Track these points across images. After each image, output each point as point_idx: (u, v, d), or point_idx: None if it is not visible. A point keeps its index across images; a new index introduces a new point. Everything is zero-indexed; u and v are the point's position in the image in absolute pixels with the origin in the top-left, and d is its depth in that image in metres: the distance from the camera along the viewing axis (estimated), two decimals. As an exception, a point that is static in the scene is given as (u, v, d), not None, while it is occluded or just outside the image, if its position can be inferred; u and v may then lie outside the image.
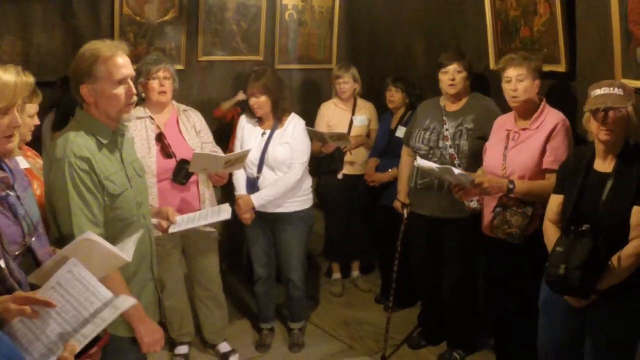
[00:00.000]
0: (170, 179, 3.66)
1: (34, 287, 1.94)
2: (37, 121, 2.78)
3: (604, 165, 2.77)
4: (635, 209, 2.62)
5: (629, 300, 2.69)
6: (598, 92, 2.70)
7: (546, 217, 3.03)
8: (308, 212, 4.19)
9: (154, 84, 3.66)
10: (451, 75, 3.83)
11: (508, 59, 3.38)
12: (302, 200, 4.13)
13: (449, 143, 3.81)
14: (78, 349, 1.70)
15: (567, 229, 2.76)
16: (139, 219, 2.62)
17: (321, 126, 4.97)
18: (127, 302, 1.82)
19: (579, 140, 3.21)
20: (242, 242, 5.10)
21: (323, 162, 5.01)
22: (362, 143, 4.99)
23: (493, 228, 3.38)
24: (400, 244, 4.21)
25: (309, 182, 4.20)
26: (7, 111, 1.91)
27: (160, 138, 3.68)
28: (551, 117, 3.30)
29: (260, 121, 4.11)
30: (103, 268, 2.07)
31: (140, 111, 3.70)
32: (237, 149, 4.11)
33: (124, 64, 2.44)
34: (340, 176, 4.99)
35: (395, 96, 4.71)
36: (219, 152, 3.90)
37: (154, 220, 2.96)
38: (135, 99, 2.51)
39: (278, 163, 3.98)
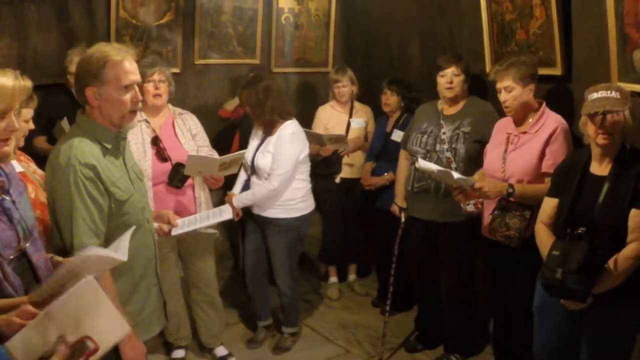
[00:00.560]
0: (166, 183, 3.65)
1: (27, 292, 1.93)
2: (31, 125, 2.76)
3: (600, 168, 2.77)
4: (633, 211, 2.62)
5: (625, 302, 2.68)
6: (595, 95, 2.69)
7: (539, 220, 3.02)
8: (291, 221, 4.09)
9: (149, 87, 3.66)
10: (449, 78, 3.83)
11: (494, 71, 3.39)
12: (283, 208, 4.06)
13: (445, 146, 3.81)
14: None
15: (563, 232, 2.76)
16: (144, 223, 2.60)
17: (318, 129, 4.97)
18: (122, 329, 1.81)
19: (577, 143, 3.21)
20: (238, 245, 5.11)
21: (320, 165, 5.01)
22: (359, 146, 4.99)
23: (491, 230, 3.38)
24: (397, 248, 4.21)
25: (293, 192, 4.07)
26: (4, 115, 1.90)
27: (156, 141, 3.67)
28: (550, 121, 3.29)
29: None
30: (100, 269, 2.07)
31: (135, 115, 3.69)
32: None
33: (132, 70, 2.42)
34: (337, 180, 4.99)
35: (390, 99, 4.71)
36: (215, 155, 3.89)
37: (155, 225, 2.94)
38: (140, 105, 2.49)
39: (259, 169, 3.99)
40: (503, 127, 3.52)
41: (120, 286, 2.44)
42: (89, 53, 2.45)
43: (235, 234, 5.26)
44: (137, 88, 2.45)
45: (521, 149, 3.34)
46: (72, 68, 4.00)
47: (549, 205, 2.96)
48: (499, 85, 3.34)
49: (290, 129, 4.01)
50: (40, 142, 4.01)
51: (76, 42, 4.61)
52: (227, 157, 3.74)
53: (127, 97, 2.42)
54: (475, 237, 3.71)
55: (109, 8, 4.67)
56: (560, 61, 3.52)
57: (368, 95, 5.17)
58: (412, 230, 4.10)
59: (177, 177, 3.63)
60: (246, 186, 4.12)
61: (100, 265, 2.05)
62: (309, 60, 5.79)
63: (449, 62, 3.85)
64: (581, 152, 2.91)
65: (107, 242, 2.41)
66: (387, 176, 4.65)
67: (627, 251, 2.62)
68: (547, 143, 3.25)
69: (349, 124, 5.01)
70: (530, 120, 3.35)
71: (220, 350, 4.18)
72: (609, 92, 2.67)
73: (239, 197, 4.05)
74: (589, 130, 2.73)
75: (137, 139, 3.61)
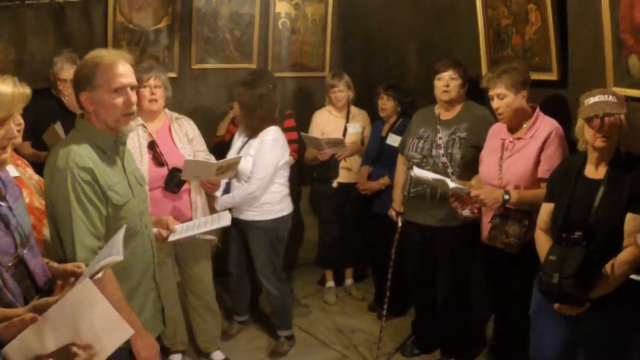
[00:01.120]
0: (162, 187, 3.65)
1: (27, 300, 1.93)
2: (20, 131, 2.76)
3: (595, 171, 2.77)
4: (629, 216, 2.63)
5: (621, 307, 2.69)
6: (592, 99, 2.70)
7: (537, 226, 3.03)
8: (269, 223, 4.16)
9: (145, 92, 3.65)
10: (445, 82, 3.84)
11: (486, 79, 3.40)
12: (260, 211, 4.13)
13: (441, 151, 3.81)
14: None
15: (559, 237, 2.76)
16: (142, 228, 2.60)
17: (315, 134, 4.97)
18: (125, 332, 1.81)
19: (572, 147, 3.21)
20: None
21: (317, 170, 5.02)
22: (356, 150, 5.00)
23: (491, 238, 3.39)
24: (394, 252, 4.21)
25: (270, 196, 4.14)
26: (3, 122, 1.89)
27: (152, 146, 3.67)
28: (544, 126, 3.30)
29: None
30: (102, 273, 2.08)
31: (132, 119, 3.69)
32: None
33: (123, 73, 2.42)
34: (334, 184, 5.00)
35: (386, 104, 4.72)
36: (212, 160, 3.89)
37: (154, 230, 2.94)
38: (134, 108, 2.49)
39: (240, 172, 4.02)
40: (497, 132, 3.53)
41: None
42: (84, 59, 2.47)
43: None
44: (129, 91, 2.45)
45: (516, 155, 3.35)
46: (63, 74, 4.00)
47: (545, 210, 2.97)
48: (492, 92, 3.35)
49: (272, 134, 4.09)
50: (26, 147, 3.93)
51: (73, 47, 4.63)
52: (224, 161, 3.75)
53: (119, 100, 2.42)
54: (472, 241, 3.72)
55: (106, 13, 4.68)
56: (556, 66, 3.53)
57: (365, 100, 5.18)
58: (409, 234, 4.11)
59: (174, 182, 3.63)
60: (227, 188, 4.18)
61: (103, 272, 2.06)
62: (305, 65, 5.79)
63: (446, 65, 3.86)
64: (576, 157, 2.92)
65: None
66: (382, 181, 4.66)
67: (623, 256, 2.62)
68: (542, 148, 3.25)
69: (345, 129, 5.01)
70: (525, 126, 3.36)
71: (217, 355, 4.18)
72: (605, 96, 2.68)
73: (219, 200, 4.12)
74: (587, 134, 2.74)
75: (134, 143, 3.60)
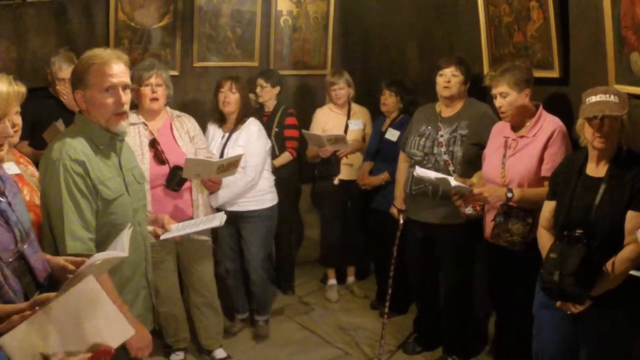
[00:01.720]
0: (164, 185, 3.65)
1: (27, 296, 1.93)
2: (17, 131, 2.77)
3: (596, 169, 2.77)
4: (630, 213, 2.62)
5: (623, 305, 2.68)
6: (594, 98, 2.68)
7: (539, 224, 3.03)
8: (266, 211, 4.37)
9: (146, 91, 3.66)
10: (447, 78, 3.84)
11: (489, 77, 3.40)
12: (257, 199, 4.32)
13: (443, 149, 3.81)
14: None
15: (561, 235, 2.76)
16: (134, 225, 2.61)
17: (316, 131, 4.97)
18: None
19: (575, 145, 3.21)
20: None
21: (319, 167, 5.02)
22: (357, 147, 5.00)
23: (494, 236, 3.38)
24: (396, 250, 4.21)
25: (265, 182, 4.36)
26: None
27: (154, 144, 3.68)
28: (548, 124, 3.29)
29: (222, 124, 4.29)
30: (102, 270, 2.09)
31: (133, 117, 3.69)
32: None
33: (115, 72, 2.44)
34: (336, 182, 5.00)
35: (388, 100, 4.73)
36: (213, 158, 3.90)
37: (149, 228, 2.95)
38: (125, 108, 2.50)
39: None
40: (500, 130, 3.52)
41: None
42: (80, 58, 2.50)
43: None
44: (121, 91, 2.46)
45: (520, 153, 3.34)
46: (61, 74, 4.00)
47: (547, 208, 2.97)
48: (494, 91, 3.35)
49: (255, 125, 4.32)
50: (23, 146, 3.93)
51: (75, 45, 4.63)
52: (225, 159, 3.75)
53: (110, 100, 2.44)
54: (474, 239, 3.72)
55: (108, 11, 4.68)
56: (557, 64, 3.52)
57: (366, 97, 5.18)
58: (411, 232, 4.11)
59: (175, 180, 3.63)
60: None
61: (104, 267, 2.06)
62: (307, 63, 5.79)
63: (449, 62, 3.87)
64: (577, 155, 2.91)
65: (96, 241, 2.44)
66: (382, 176, 4.67)
67: (624, 253, 2.62)
68: (545, 147, 3.24)
69: (346, 126, 5.02)
70: (528, 124, 3.35)
71: (219, 353, 4.18)
72: (607, 95, 2.66)
73: (219, 197, 4.17)
74: (587, 133, 2.74)
75: (135, 141, 3.61)
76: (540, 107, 3.37)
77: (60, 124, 3.73)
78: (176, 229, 3.09)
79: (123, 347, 2.46)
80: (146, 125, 3.71)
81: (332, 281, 5.34)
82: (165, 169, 3.65)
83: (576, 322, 2.81)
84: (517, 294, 3.41)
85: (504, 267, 3.48)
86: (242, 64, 5.39)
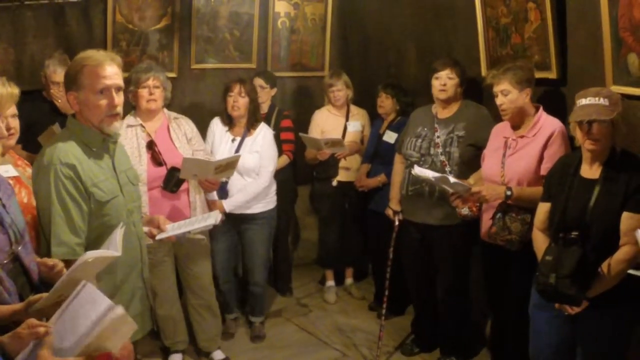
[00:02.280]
0: (161, 187, 3.65)
1: (22, 297, 1.93)
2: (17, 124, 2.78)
3: (590, 171, 2.78)
4: (625, 214, 2.62)
5: (619, 304, 2.69)
6: (583, 101, 2.69)
7: (534, 226, 3.04)
8: (271, 212, 4.44)
9: (144, 92, 3.66)
10: (443, 81, 3.85)
11: (491, 75, 3.42)
12: (266, 201, 4.37)
13: (439, 150, 3.82)
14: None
15: (556, 236, 2.77)
16: (129, 226, 2.62)
17: (315, 133, 4.98)
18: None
19: (574, 145, 3.21)
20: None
21: (317, 169, 5.03)
22: (356, 149, 5.00)
23: (492, 235, 3.39)
24: (392, 251, 4.21)
25: (274, 186, 4.44)
26: None
27: (151, 146, 3.68)
28: (548, 125, 3.30)
29: (230, 127, 4.27)
30: (96, 269, 2.09)
31: (130, 119, 3.71)
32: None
33: (108, 74, 2.45)
34: (334, 183, 5.00)
35: (385, 102, 4.73)
36: (211, 159, 3.90)
37: (145, 228, 2.96)
38: (118, 110, 2.51)
39: (247, 170, 4.11)
40: (500, 131, 3.53)
41: (100, 287, 2.44)
42: (73, 59, 2.52)
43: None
44: (114, 93, 2.48)
45: (519, 153, 3.35)
46: (55, 77, 3.99)
47: (542, 210, 2.98)
48: (496, 89, 3.36)
49: (269, 130, 4.39)
50: (17, 149, 3.91)
51: (73, 48, 4.62)
52: (223, 160, 3.74)
53: (103, 101, 2.46)
54: (471, 240, 3.73)
55: (106, 13, 4.68)
56: (555, 65, 3.53)
57: (364, 99, 5.18)
58: (407, 233, 4.11)
59: (172, 182, 3.63)
60: (220, 189, 4.16)
61: (97, 266, 2.06)
62: (305, 65, 5.79)
63: (444, 65, 3.88)
64: (572, 156, 2.92)
65: (88, 241, 2.45)
66: (379, 178, 4.67)
67: (620, 254, 2.62)
68: (545, 146, 3.25)
69: (345, 128, 5.02)
70: (528, 124, 3.36)
71: (218, 354, 4.18)
72: (597, 99, 2.66)
73: (229, 201, 4.17)
74: (578, 135, 2.75)
75: (132, 143, 3.61)
76: (541, 108, 3.38)
77: (57, 128, 3.73)
78: (171, 229, 3.09)
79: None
80: (143, 127, 3.71)
81: (330, 283, 5.34)
82: (162, 171, 3.65)
83: (572, 322, 2.81)
84: (513, 294, 3.42)
85: (500, 267, 3.49)
86: (239, 66, 5.39)
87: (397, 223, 4.19)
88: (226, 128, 4.28)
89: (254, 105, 4.24)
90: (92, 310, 1.69)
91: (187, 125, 3.89)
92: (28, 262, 2.03)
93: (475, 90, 4.08)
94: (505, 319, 3.59)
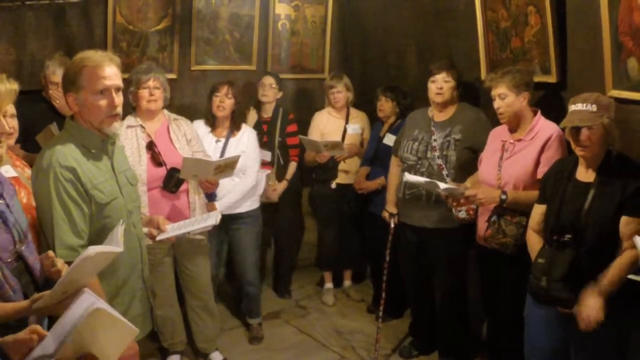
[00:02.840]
0: (161, 187, 3.65)
1: (26, 295, 1.94)
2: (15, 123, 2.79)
3: (586, 174, 2.79)
4: (624, 219, 2.63)
5: (614, 308, 2.67)
6: (573, 107, 2.72)
7: (529, 227, 3.05)
8: (257, 211, 4.51)
9: (144, 93, 3.67)
10: (439, 84, 3.86)
11: (489, 78, 3.44)
12: (253, 200, 4.44)
13: (436, 153, 3.82)
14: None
15: (550, 239, 2.78)
16: (129, 227, 2.62)
17: (314, 135, 4.99)
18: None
19: (571, 150, 3.21)
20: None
21: (316, 171, 5.03)
22: (355, 152, 5.00)
23: (487, 238, 3.39)
24: (389, 254, 4.22)
25: (260, 185, 4.52)
26: None
27: (151, 146, 3.68)
28: (545, 128, 3.31)
29: (213, 128, 4.31)
30: (98, 266, 2.09)
31: (130, 120, 3.72)
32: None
33: (108, 75, 2.46)
34: (333, 185, 5.01)
35: (384, 105, 4.74)
36: (211, 159, 3.90)
37: (145, 229, 2.96)
38: (118, 110, 2.51)
39: (236, 170, 4.04)
40: (498, 135, 3.54)
41: (103, 288, 2.45)
42: (71, 60, 2.51)
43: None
44: (114, 93, 2.48)
45: (516, 156, 3.36)
46: (55, 78, 4.00)
47: (537, 212, 2.99)
48: (494, 92, 3.37)
49: (253, 131, 4.48)
50: (16, 149, 3.90)
51: (73, 48, 4.62)
52: (223, 160, 3.75)
53: (103, 102, 2.46)
54: (468, 243, 3.73)
55: (106, 14, 4.67)
56: (555, 69, 3.54)
57: (364, 102, 5.19)
58: (404, 236, 4.12)
59: (172, 182, 3.64)
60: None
61: (99, 262, 2.06)
62: (305, 67, 5.79)
63: (440, 68, 3.89)
64: (568, 159, 2.93)
65: (90, 243, 2.44)
66: (379, 181, 4.68)
67: (623, 258, 2.62)
68: (542, 150, 3.26)
69: (345, 130, 5.02)
70: (525, 127, 3.37)
71: (216, 356, 4.18)
72: (585, 105, 2.68)
73: (222, 202, 4.20)
74: (570, 140, 2.76)
75: (132, 143, 3.62)
76: (539, 113, 3.38)
77: (54, 128, 3.72)
78: (171, 229, 3.10)
79: None
80: (143, 127, 3.71)
81: (329, 285, 5.34)
82: (162, 171, 3.65)
83: (567, 324, 2.81)
84: (509, 297, 3.42)
85: (495, 270, 3.49)
86: (239, 68, 5.39)
87: (392, 226, 4.19)
88: (209, 129, 4.32)
89: (238, 107, 4.31)
90: (78, 311, 1.69)
91: (186, 127, 3.90)
92: (32, 261, 2.04)
93: (474, 94, 4.10)
94: (501, 322, 3.59)
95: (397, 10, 5.15)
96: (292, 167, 5.02)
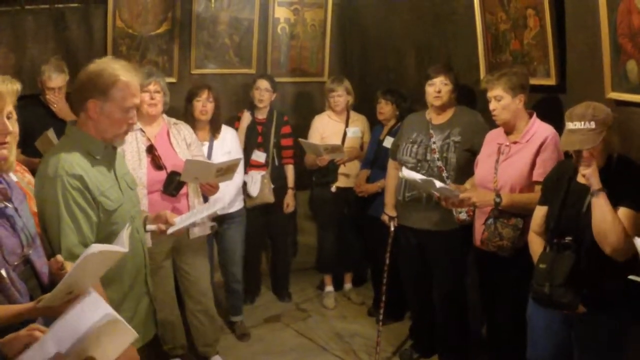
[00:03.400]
0: (161, 191, 3.65)
1: (33, 299, 1.94)
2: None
3: None
4: (622, 211, 2.60)
5: (617, 309, 2.68)
6: (571, 125, 2.67)
7: (531, 229, 3.05)
8: (243, 210, 4.68)
9: (145, 97, 3.66)
10: (437, 87, 3.87)
11: (486, 80, 3.45)
12: (240, 199, 4.63)
13: (436, 156, 3.83)
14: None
15: (551, 242, 2.78)
16: (133, 232, 2.61)
17: (314, 138, 4.99)
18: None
19: (567, 152, 3.22)
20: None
21: (316, 174, 5.03)
22: (355, 155, 5.01)
23: (484, 240, 3.39)
24: (388, 257, 4.22)
25: (256, 186, 4.75)
26: None
27: (151, 150, 3.68)
28: (541, 131, 3.32)
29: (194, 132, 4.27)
30: (102, 267, 2.09)
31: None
32: None
33: (136, 93, 2.49)
34: (333, 189, 5.01)
35: (384, 108, 4.74)
36: (212, 162, 3.91)
37: (153, 227, 2.95)
38: (134, 128, 2.52)
39: None
40: (494, 137, 3.54)
41: (109, 294, 2.44)
42: (97, 67, 2.46)
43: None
44: (134, 111, 2.51)
45: (512, 158, 3.36)
46: (51, 83, 4.01)
47: (538, 213, 2.98)
48: (490, 94, 3.38)
49: (233, 130, 4.62)
50: (16, 154, 3.90)
51: (73, 52, 4.63)
52: (224, 162, 3.74)
53: (127, 119, 2.48)
54: (468, 245, 3.73)
55: (106, 18, 4.69)
56: (554, 71, 3.53)
57: (364, 105, 5.19)
58: (404, 239, 4.12)
59: (172, 185, 3.63)
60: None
61: (104, 262, 2.06)
62: (305, 70, 5.81)
63: (437, 71, 3.89)
64: (569, 161, 2.92)
65: None
66: (379, 183, 4.67)
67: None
68: (537, 153, 3.26)
69: (345, 133, 5.03)
70: (521, 130, 3.37)
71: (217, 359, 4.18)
72: (582, 123, 2.63)
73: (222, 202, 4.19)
74: (573, 158, 2.74)
75: (132, 147, 3.62)
76: (534, 115, 3.39)
77: (51, 134, 3.73)
78: (180, 221, 3.08)
79: None
80: (143, 131, 3.71)
81: (329, 288, 5.34)
82: (162, 175, 3.65)
83: (570, 325, 2.82)
84: (507, 300, 3.43)
85: (494, 273, 3.49)
86: (239, 71, 5.41)
87: (392, 229, 4.19)
88: None
89: (218, 110, 4.37)
90: (90, 315, 1.69)
91: (186, 131, 3.90)
92: (39, 266, 2.05)
93: (473, 96, 4.11)
94: (501, 324, 3.58)
95: (396, 13, 5.16)
96: (291, 171, 5.03)
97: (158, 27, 4.95)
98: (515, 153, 3.36)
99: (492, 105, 3.37)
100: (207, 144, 4.34)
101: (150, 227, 2.94)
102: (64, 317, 1.73)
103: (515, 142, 3.38)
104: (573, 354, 2.85)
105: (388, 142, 4.60)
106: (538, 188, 3.18)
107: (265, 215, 4.99)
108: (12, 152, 2.02)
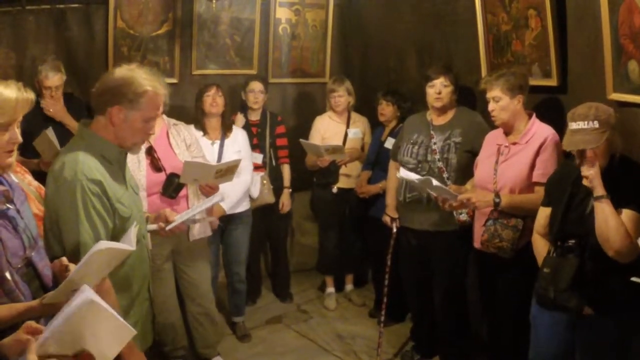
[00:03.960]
0: (160, 193, 3.64)
1: (36, 299, 1.94)
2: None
3: None
4: (625, 213, 2.59)
5: (620, 311, 2.67)
6: (574, 125, 2.64)
7: (535, 230, 3.03)
8: (250, 211, 4.66)
9: (145, 98, 3.66)
10: (437, 89, 3.86)
11: (485, 81, 3.43)
12: (247, 200, 4.60)
13: (437, 156, 3.82)
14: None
15: (555, 244, 2.77)
16: (141, 238, 2.60)
17: (315, 139, 4.98)
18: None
19: (568, 153, 3.21)
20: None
21: (317, 175, 5.03)
22: (356, 156, 5.00)
23: (484, 242, 3.38)
24: (390, 258, 4.21)
25: (255, 187, 4.71)
26: (7, 127, 1.93)
27: (150, 151, 3.66)
28: (540, 131, 3.31)
29: (205, 132, 4.35)
30: (109, 265, 2.08)
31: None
32: None
33: (160, 104, 2.51)
34: (334, 190, 5.00)
35: (385, 109, 4.74)
36: (212, 163, 3.90)
37: (154, 226, 2.95)
38: (150, 139, 2.52)
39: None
40: (494, 138, 3.53)
41: (120, 302, 2.44)
42: (125, 75, 2.44)
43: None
44: (155, 122, 2.53)
45: (512, 159, 3.36)
46: (47, 82, 4.01)
47: (542, 215, 2.97)
48: (488, 95, 3.37)
49: (243, 130, 4.62)
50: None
51: (74, 52, 4.63)
52: (224, 163, 3.74)
53: (147, 128, 2.48)
54: (469, 246, 3.72)
55: (107, 19, 4.69)
56: (555, 72, 3.53)
57: (365, 106, 5.19)
58: (405, 240, 4.11)
59: (172, 187, 3.62)
60: None
61: (110, 260, 2.06)
62: (306, 71, 5.80)
63: (438, 72, 3.88)
64: (572, 163, 2.91)
65: None
66: (380, 184, 4.67)
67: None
68: (537, 153, 3.26)
69: (346, 134, 5.02)
70: (520, 131, 3.36)
71: (217, 361, 4.17)
72: (585, 123, 2.61)
73: (226, 202, 4.23)
74: (576, 158, 2.72)
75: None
76: (534, 116, 3.38)
77: (50, 133, 3.72)
78: (180, 218, 3.08)
79: None
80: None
81: (330, 289, 5.33)
82: (161, 177, 3.63)
83: (573, 328, 2.80)
84: (508, 302, 3.42)
85: (494, 274, 3.48)
86: (240, 72, 5.40)
87: (394, 230, 4.19)
88: (201, 134, 4.32)
89: (227, 107, 4.40)
90: (74, 302, 1.69)
91: (186, 132, 3.89)
92: (42, 267, 2.04)
93: (474, 97, 4.10)
94: (501, 325, 3.58)
95: (397, 14, 5.15)
96: (287, 171, 5.03)
97: (159, 27, 4.95)
98: (515, 154, 3.35)
99: (491, 106, 3.36)
100: (218, 142, 4.35)
101: (150, 226, 2.94)
102: (59, 313, 1.72)
103: (514, 143, 3.37)
104: (576, 356, 2.84)
105: (389, 143, 4.60)
106: (538, 189, 3.18)
107: (266, 216, 4.98)
108: (13, 156, 2.02)
